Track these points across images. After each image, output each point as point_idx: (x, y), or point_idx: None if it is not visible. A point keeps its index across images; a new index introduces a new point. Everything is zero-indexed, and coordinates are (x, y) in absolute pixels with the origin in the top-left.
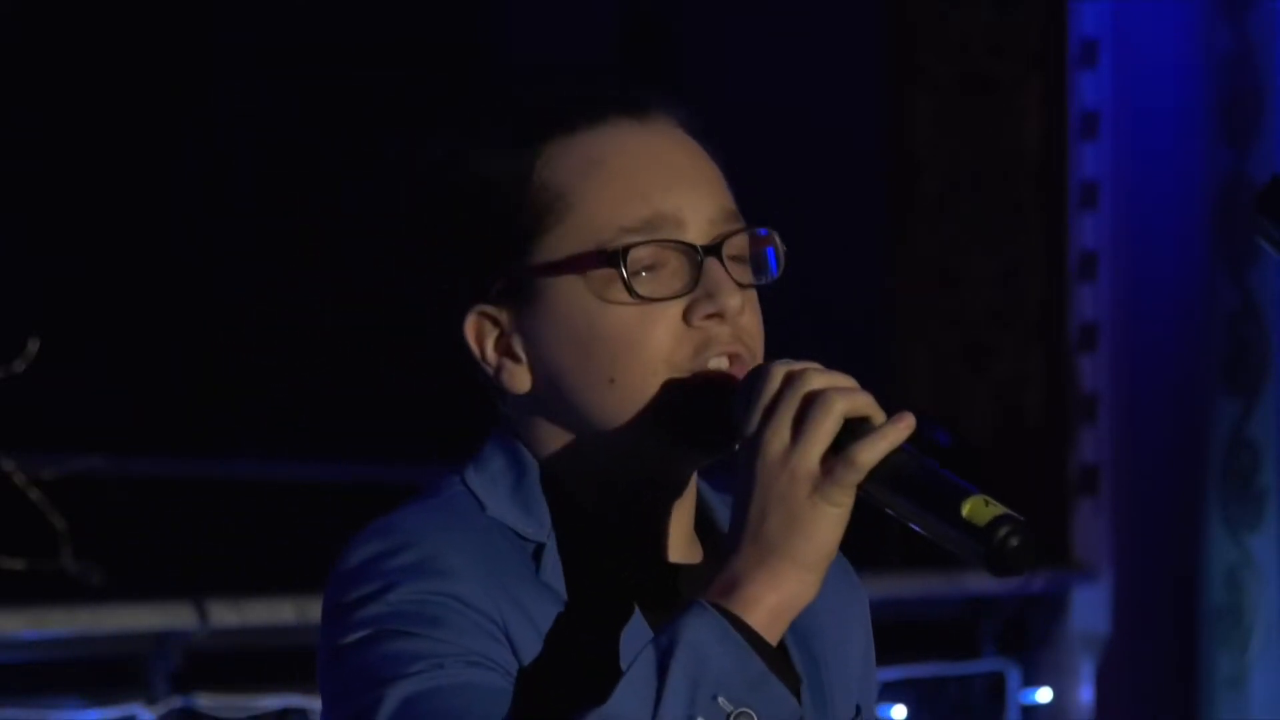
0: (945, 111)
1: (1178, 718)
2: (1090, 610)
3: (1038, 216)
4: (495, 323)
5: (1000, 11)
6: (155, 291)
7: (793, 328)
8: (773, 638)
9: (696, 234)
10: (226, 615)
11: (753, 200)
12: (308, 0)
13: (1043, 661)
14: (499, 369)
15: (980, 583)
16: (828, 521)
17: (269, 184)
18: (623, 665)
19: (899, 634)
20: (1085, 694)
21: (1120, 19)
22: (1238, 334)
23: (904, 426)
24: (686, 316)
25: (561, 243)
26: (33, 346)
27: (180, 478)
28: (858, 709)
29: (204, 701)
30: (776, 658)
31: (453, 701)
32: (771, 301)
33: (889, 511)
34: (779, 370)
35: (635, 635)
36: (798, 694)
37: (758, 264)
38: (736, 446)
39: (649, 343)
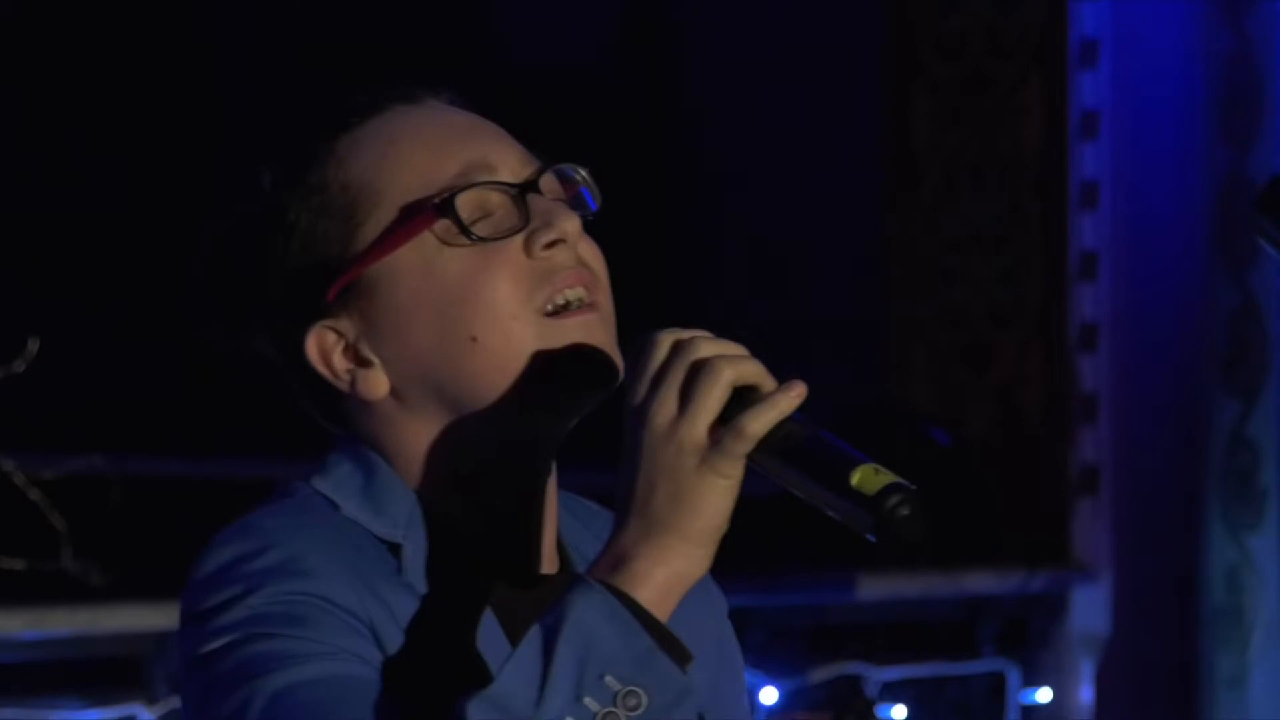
0: (945, 111)
1: (1178, 718)
2: (1090, 610)
3: (1038, 216)
4: (339, 334)
5: (1000, 11)
6: (155, 289)
7: (793, 327)
8: (662, 614)
9: (510, 176)
10: None
11: (753, 200)
12: (304, 3)
13: (1043, 661)
14: (352, 380)
15: (980, 582)
16: (716, 494)
17: None
18: (483, 654)
19: (899, 634)
20: (1085, 694)
21: (1120, 19)
22: (1238, 334)
23: (794, 395)
24: (528, 250)
25: (383, 226)
26: (33, 346)
27: (180, 478)
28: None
29: None
30: (665, 634)
31: (324, 693)
32: (772, 300)
33: (780, 483)
34: (666, 338)
35: (492, 634)
36: (686, 670)
37: (576, 203)
38: (612, 388)
39: (497, 284)
